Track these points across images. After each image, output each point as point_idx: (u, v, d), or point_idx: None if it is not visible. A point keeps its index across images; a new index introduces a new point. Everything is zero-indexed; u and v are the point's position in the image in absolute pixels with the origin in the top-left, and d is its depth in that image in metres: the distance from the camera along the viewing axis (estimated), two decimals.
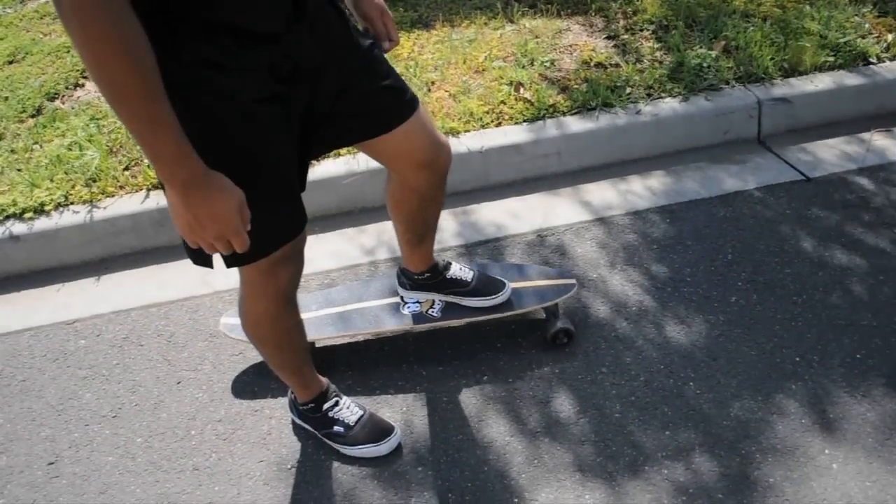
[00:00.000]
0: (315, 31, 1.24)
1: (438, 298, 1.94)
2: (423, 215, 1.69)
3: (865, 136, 2.75)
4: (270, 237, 1.30)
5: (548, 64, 2.87)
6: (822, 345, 1.91)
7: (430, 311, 1.92)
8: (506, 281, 1.93)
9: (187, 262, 1.33)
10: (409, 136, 1.45)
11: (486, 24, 3.20)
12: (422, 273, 1.88)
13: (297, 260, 1.44)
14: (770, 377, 1.83)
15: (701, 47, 2.93)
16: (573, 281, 1.99)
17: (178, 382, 2.00)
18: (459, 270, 1.92)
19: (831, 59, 2.90)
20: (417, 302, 1.94)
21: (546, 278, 2.00)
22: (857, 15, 3.12)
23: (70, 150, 2.79)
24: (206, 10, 1.06)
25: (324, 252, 2.38)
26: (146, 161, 2.65)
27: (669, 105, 2.70)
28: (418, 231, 1.74)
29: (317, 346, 2.02)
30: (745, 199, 2.47)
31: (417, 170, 1.53)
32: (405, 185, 1.59)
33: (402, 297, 1.96)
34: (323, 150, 1.43)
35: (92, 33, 0.89)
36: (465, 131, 2.58)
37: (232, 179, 1.09)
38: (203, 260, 1.25)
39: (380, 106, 1.40)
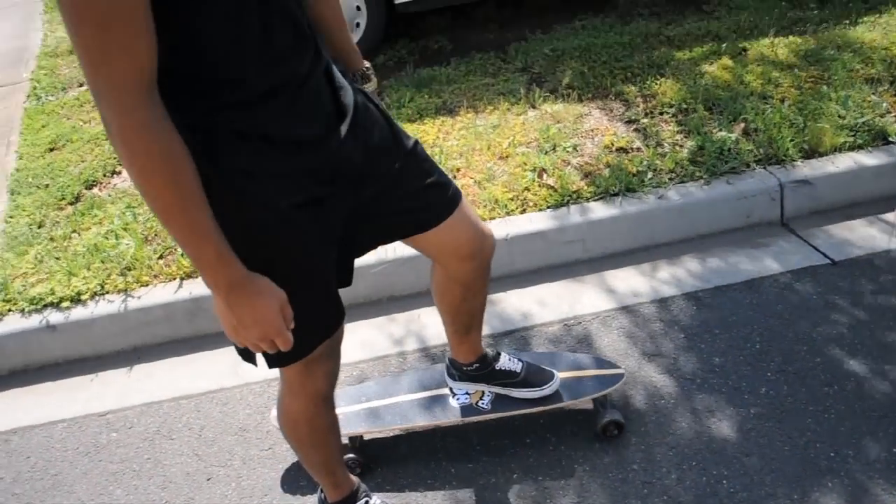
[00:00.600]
0: (357, 132, 1.29)
1: (488, 390, 1.94)
2: (468, 305, 1.72)
3: (889, 216, 2.76)
4: (309, 336, 1.33)
5: (570, 149, 2.93)
6: (856, 438, 1.89)
7: (479, 403, 1.93)
8: (554, 371, 1.94)
9: (218, 352, 1.37)
10: (454, 230, 1.49)
11: (508, 109, 3.28)
12: (471, 364, 1.89)
13: (335, 357, 1.46)
14: (805, 474, 1.81)
15: (721, 130, 2.98)
16: (622, 371, 1.99)
17: (209, 479, 2.02)
18: (508, 361, 1.93)
19: (851, 139, 2.93)
20: (467, 393, 1.95)
21: (593, 368, 2.01)
22: (873, 93, 3.16)
23: (106, 238, 2.87)
24: (246, 120, 1.11)
25: (353, 342, 2.40)
26: (180, 250, 2.72)
27: (691, 189, 2.73)
28: (464, 321, 1.76)
29: (365, 438, 2.03)
30: (771, 284, 2.47)
31: (462, 261, 1.55)
32: (450, 277, 1.62)
33: (451, 389, 1.97)
34: (367, 247, 1.47)
35: (137, 153, 0.96)
36: (491, 218, 2.63)
37: (272, 280, 1.14)
38: (248, 357, 1.30)
39: (424, 203, 1.44)
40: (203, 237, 1.03)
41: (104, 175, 3.41)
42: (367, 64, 1.49)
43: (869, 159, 2.85)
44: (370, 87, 1.49)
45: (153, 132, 0.97)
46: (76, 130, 3.90)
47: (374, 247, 1.48)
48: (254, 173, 1.14)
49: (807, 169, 2.82)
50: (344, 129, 1.25)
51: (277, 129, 1.15)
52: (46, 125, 4.08)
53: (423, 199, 1.43)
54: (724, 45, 3.64)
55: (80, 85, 4.55)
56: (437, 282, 1.67)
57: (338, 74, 1.30)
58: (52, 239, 2.96)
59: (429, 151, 2.99)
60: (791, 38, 3.66)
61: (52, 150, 3.78)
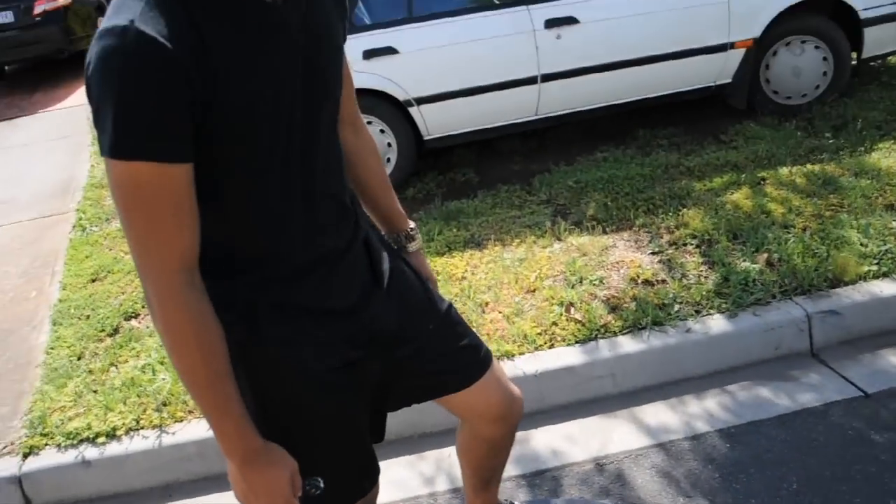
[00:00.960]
0: (392, 297, 1.35)
1: None
2: (492, 462, 1.73)
3: None
4: (345, 496, 1.34)
5: (596, 282, 2.99)
6: None
7: None
8: None
9: None
10: (484, 392, 1.51)
11: (535, 242, 3.38)
12: None
13: None
14: None
15: (744, 260, 3.03)
16: None
17: None
18: None
19: (875, 267, 2.96)
20: None
21: None
22: (894, 221, 3.21)
23: (143, 372, 2.94)
24: (284, 293, 1.18)
25: (383, 481, 2.39)
26: None
27: (718, 322, 2.76)
28: (485, 476, 1.77)
29: None
30: (805, 419, 2.45)
31: (490, 423, 1.57)
32: (477, 436, 1.63)
33: None
34: (398, 406, 1.49)
35: (175, 332, 1.03)
36: (520, 354, 2.67)
37: (301, 443, 1.17)
38: None
39: (456, 365, 1.47)
40: (226, 412, 1.08)
41: (143, 307, 3.52)
42: (411, 225, 1.56)
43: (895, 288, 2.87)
44: (415, 246, 1.54)
45: (192, 313, 1.04)
46: (118, 261, 4.05)
47: (405, 405, 1.51)
48: (290, 341, 1.19)
49: (833, 299, 2.84)
50: (380, 295, 1.32)
51: (315, 301, 1.21)
52: (90, 255, 4.25)
53: (455, 361, 1.47)
54: (743, 175, 3.75)
55: None
56: (464, 438, 1.69)
57: (375, 242, 1.37)
58: (90, 372, 3.04)
59: (458, 286, 3.09)
60: (809, 166, 3.76)
61: (94, 280, 3.92)
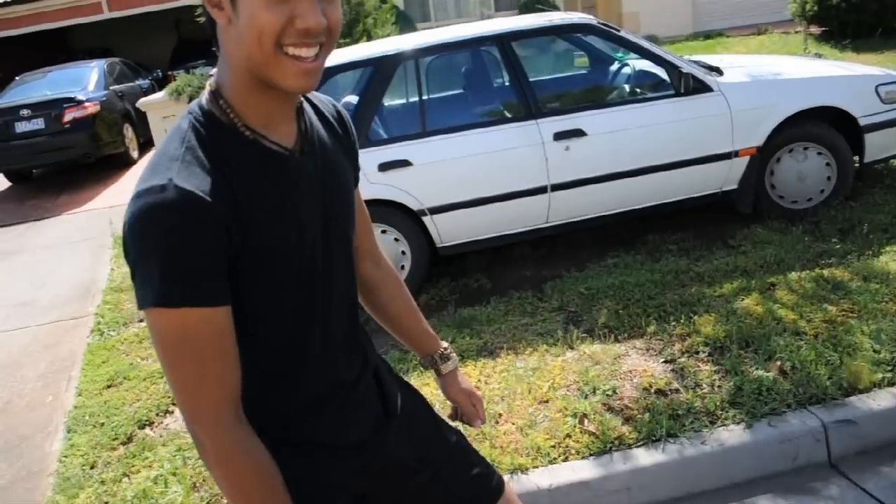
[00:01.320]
0: (404, 428, 1.38)
1: None
2: None
3: None
4: None
5: (609, 392, 3.00)
6: None
7: None
8: None
9: None
10: None
11: (547, 350, 3.40)
12: None
13: None
14: None
15: (757, 368, 3.03)
16: None
17: None
18: None
19: (889, 374, 2.95)
20: None
21: None
22: None
23: (156, 483, 2.93)
24: (294, 427, 1.21)
25: None
26: (225, 500, 2.75)
27: (734, 432, 2.74)
28: None
29: None
30: None
31: None
32: None
33: None
34: None
35: (234, 471, 1.07)
36: (534, 467, 2.65)
37: None
38: None
39: (469, 494, 1.48)
40: None
41: (157, 414, 3.54)
42: (444, 345, 1.58)
43: None
44: (450, 366, 1.56)
45: (248, 449, 1.08)
46: (134, 367, 4.10)
47: None
48: (302, 479, 1.20)
49: (849, 408, 2.82)
50: (392, 428, 1.35)
51: (328, 436, 1.25)
52: (106, 361, 4.30)
53: (468, 489, 1.49)
54: (752, 280, 3.79)
55: (141, 320, 4.84)
56: None
57: (385, 374, 1.42)
58: (102, 482, 3.03)
59: None
60: (817, 271, 3.80)
61: (109, 386, 3.96)
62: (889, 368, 2.97)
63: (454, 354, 1.60)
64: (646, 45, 4.54)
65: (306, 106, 1.21)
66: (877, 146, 4.61)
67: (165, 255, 0.98)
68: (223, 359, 1.05)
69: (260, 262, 1.08)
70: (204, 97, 1.11)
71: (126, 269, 5.92)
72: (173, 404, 3.61)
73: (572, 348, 3.41)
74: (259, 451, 1.09)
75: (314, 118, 1.22)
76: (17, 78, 11.47)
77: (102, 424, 3.53)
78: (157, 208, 0.98)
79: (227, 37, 1.07)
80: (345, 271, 1.26)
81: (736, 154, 4.40)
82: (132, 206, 1.01)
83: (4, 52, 14.65)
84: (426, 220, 4.20)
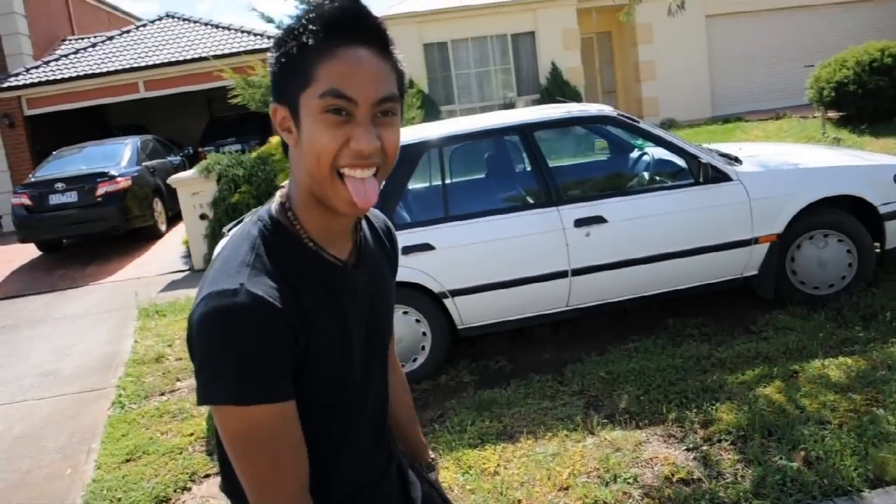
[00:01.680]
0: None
1: None
2: None
3: None
4: None
5: (631, 480, 2.96)
6: None
7: None
8: None
9: None
10: None
11: (567, 436, 3.39)
12: None
13: None
14: None
15: (781, 458, 2.99)
16: None
17: None
18: None
19: None
20: None
21: None
22: None
23: None
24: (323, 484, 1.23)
25: None
26: None
27: None
28: None
29: None
30: None
31: None
32: None
33: None
34: None
35: None
36: None
37: None
38: None
39: None
40: None
41: (175, 491, 3.54)
42: (432, 455, 1.63)
43: None
44: (433, 476, 1.62)
45: None
46: (153, 442, 4.11)
47: None
48: None
49: (877, 500, 2.76)
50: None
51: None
52: (126, 434, 4.32)
53: None
54: (775, 367, 3.78)
55: (161, 394, 4.87)
56: None
57: (406, 468, 1.46)
58: None
59: (490, 481, 3.08)
60: (841, 358, 3.78)
61: (128, 460, 3.96)
62: None
63: (438, 465, 1.64)
64: (665, 135, 4.65)
65: (363, 223, 1.30)
66: None
67: (237, 356, 1.03)
68: (294, 451, 1.09)
69: (309, 366, 1.13)
70: (273, 206, 1.19)
71: (149, 343, 6.00)
72: (191, 481, 3.61)
73: (593, 434, 3.39)
74: None
75: (368, 233, 1.31)
76: (54, 153, 11.88)
77: (120, 500, 3.53)
78: (229, 311, 1.03)
79: (294, 156, 1.15)
80: (380, 378, 1.32)
81: (756, 241, 4.44)
82: (203, 306, 1.06)
83: (44, 127, 15.21)
84: (447, 302, 4.25)
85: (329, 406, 1.20)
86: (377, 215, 1.40)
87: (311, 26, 1.07)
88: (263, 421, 1.05)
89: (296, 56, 1.08)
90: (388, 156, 1.14)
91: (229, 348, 1.03)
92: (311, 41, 1.07)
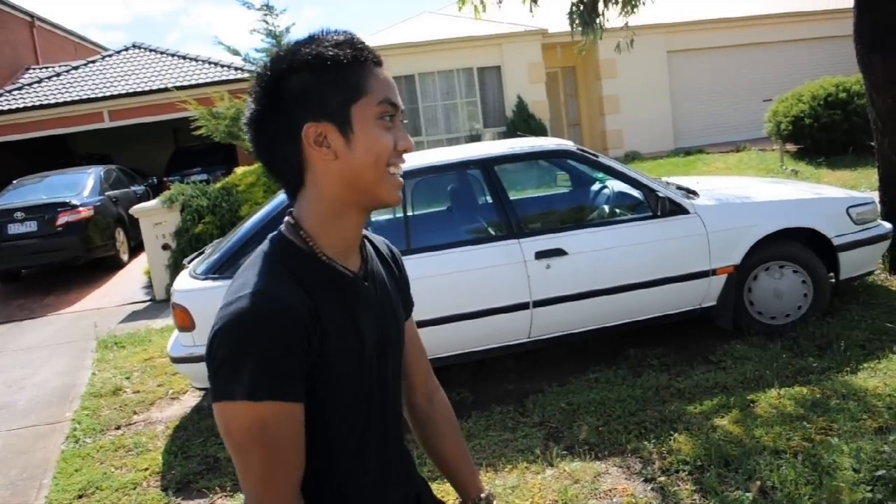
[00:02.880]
0: None
1: None
2: None
3: None
4: None
5: None
6: None
7: None
8: None
9: None
10: None
11: (527, 468, 3.38)
12: None
13: None
14: None
15: (737, 488, 3.02)
16: None
17: None
18: None
19: (869, 494, 2.93)
20: None
21: None
22: (884, 444, 3.22)
23: None
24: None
25: None
26: None
27: None
28: None
29: None
30: None
31: None
32: None
33: None
34: None
35: None
36: None
37: None
38: None
39: None
40: None
41: None
42: (483, 493, 1.54)
43: None
44: None
45: None
46: (107, 477, 4.01)
47: None
48: None
49: None
50: None
51: None
52: (80, 469, 4.21)
53: None
54: (732, 397, 3.82)
55: (117, 428, 4.77)
56: None
57: (427, 498, 1.44)
58: None
59: None
60: (796, 388, 3.84)
61: (81, 496, 3.87)
62: (869, 489, 2.96)
63: (495, 501, 1.57)
64: (624, 169, 4.74)
65: (366, 241, 1.36)
66: (851, 264, 4.76)
67: (257, 354, 1.09)
68: (296, 453, 1.14)
69: (322, 372, 1.17)
70: (282, 228, 1.25)
71: (106, 375, 5.88)
72: None
73: (552, 465, 3.39)
74: None
75: (372, 252, 1.37)
76: (14, 181, 11.69)
77: None
78: (248, 312, 1.10)
79: (327, 172, 1.21)
80: (396, 393, 1.36)
81: (713, 272, 4.52)
82: (222, 312, 1.12)
83: (7, 156, 14.99)
84: None
85: (351, 408, 1.23)
86: (379, 239, 1.46)
87: (340, 50, 1.19)
88: (273, 418, 1.10)
89: (337, 73, 1.18)
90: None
91: (250, 347, 1.09)
92: (347, 59, 1.19)
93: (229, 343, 1.09)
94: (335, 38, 1.20)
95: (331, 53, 1.18)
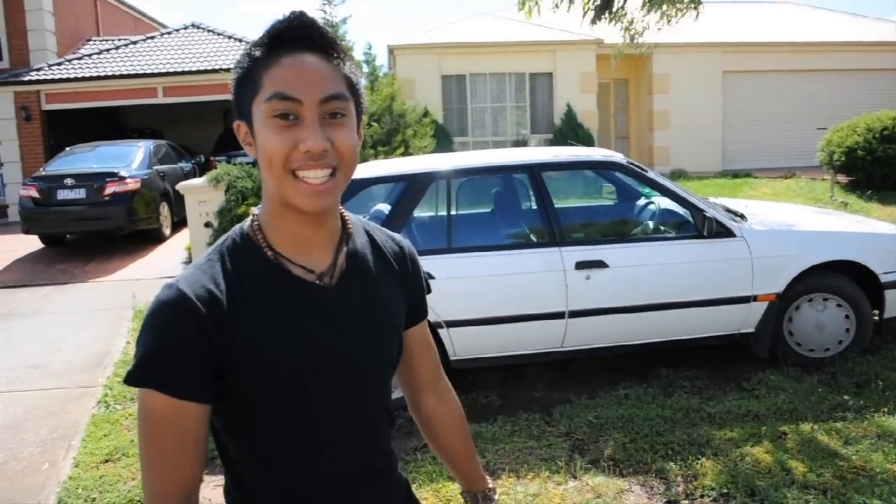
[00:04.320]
0: None
1: None
2: None
3: None
4: None
5: None
6: None
7: None
8: None
9: None
10: None
11: (549, 477, 3.36)
12: None
13: None
14: None
15: None
16: None
17: None
18: None
19: None
20: None
21: None
22: None
23: None
24: None
25: None
26: None
27: None
28: None
29: None
30: None
31: None
32: None
33: None
34: None
35: None
36: None
37: None
38: None
39: None
40: None
41: None
42: (489, 485, 1.54)
43: None
44: None
45: None
46: (134, 445, 4.08)
47: None
48: None
49: None
50: None
51: None
52: (108, 434, 4.29)
53: None
54: (764, 427, 3.75)
55: None
56: None
57: None
58: None
59: None
60: (831, 423, 3.76)
61: (107, 461, 3.94)
62: None
63: (496, 497, 1.55)
64: (672, 186, 4.68)
65: (358, 239, 1.28)
66: None
67: (147, 340, 1.09)
68: (182, 450, 1.10)
69: (247, 375, 1.13)
70: (245, 221, 1.23)
71: None
72: None
73: (575, 478, 3.36)
74: None
75: (366, 252, 1.28)
76: (67, 149, 11.97)
77: (94, 500, 3.50)
78: (156, 302, 1.11)
79: (260, 168, 1.18)
80: (357, 403, 1.24)
81: (755, 299, 4.44)
82: None
83: (60, 123, 15.34)
84: (442, 332, 4.24)
85: (288, 425, 1.17)
86: (388, 236, 1.36)
87: (259, 41, 1.14)
88: (157, 409, 1.09)
89: (248, 70, 1.14)
90: (344, 156, 1.14)
91: (144, 334, 1.10)
92: (258, 53, 1.13)
93: (141, 327, 1.12)
94: (268, 29, 1.14)
95: (247, 48, 1.15)
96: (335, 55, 1.15)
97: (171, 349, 1.08)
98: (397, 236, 1.38)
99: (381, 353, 1.27)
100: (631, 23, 7.07)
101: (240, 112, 1.17)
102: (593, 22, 7.16)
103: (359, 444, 1.25)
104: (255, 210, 1.22)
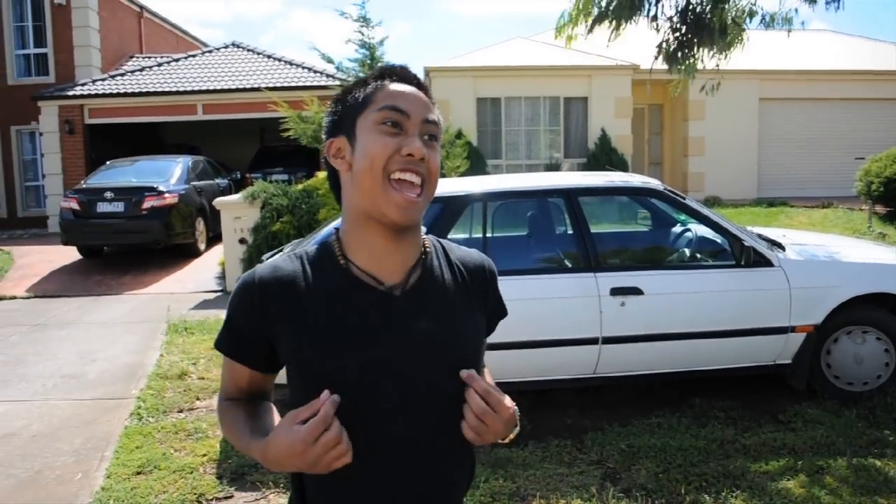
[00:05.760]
0: None
1: None
2: None
3: None
4: None
5: None
6: None
7: None
8: None
9: None
10: None
11: None
12: None
13: None
14: None
15: None
16: None
17: None
18: None
19: None
20: None
21: None
22: None
23: None
24: None
25: None
26: None
27: None
28: None
29: None
30: None
31: None
32: None
33: None
34: None
35: (219, 419, 1.42)
36: None
37: None
38: None
39: None
40: (244, 448, 1.31)
41: None
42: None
43: None
44: None
45: (221, 411, 1.40)
46: (166, 458, 4.11)
47: None
48: None
49: None
50: None
51: None
52: (140, 446, 4.33)
53: None
54: (800, 461, 3.68)
55: (180, 411, 4.90)
56: None
57: None
58: None
59: None
60: (870, 460, 3.67)
61: (139, 473, 3.97)
62: None
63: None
64: (709, 213, 4.64)
65: (434, 262, 1.34)
66: None
67: (228, 311, 1.35)
68: (237, 387, 1.39)
69: (304, 370, 1.26)
70: (332, 233, 1.38)
71: (174, 358, 6.06)
72: (198, 502, 3.60)
73: None
74: (224, 413, 1.38)
75: (445, 271, 1.35)
76: (108, 162, 12.22)
77: None
78: (238, 280, 1.35)
79: (346, 181, 1.31)
80: (421, 416, 1.25)
81: (792, 329, 4.37)
82: None
83: (102, 137, 15.69)
84: None
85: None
86: (472, 256, 1.43)
87: (371, 73, 1.33)
88: (224, 358, 1.38)
89: (354, 96, 1.31)
90: (432, 174, 1.27)
91: (228, 305, 1.35)
92: (370, 80, 1.31)
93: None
94: (378, 67, 1.36)
95: (353, 82, 1.34)
96: (430, 97, 1.32)
97: (230, 319, 1.33)
98: (477, 253, 1.45)
99: (441, 368, 1.26)
100: (694, 65, 7.16)
101: (337, 129, 1.32)
102: (669, 71, 7.42)
103: (419, 462, 1.26)
104: (335, 223, 1.36)
